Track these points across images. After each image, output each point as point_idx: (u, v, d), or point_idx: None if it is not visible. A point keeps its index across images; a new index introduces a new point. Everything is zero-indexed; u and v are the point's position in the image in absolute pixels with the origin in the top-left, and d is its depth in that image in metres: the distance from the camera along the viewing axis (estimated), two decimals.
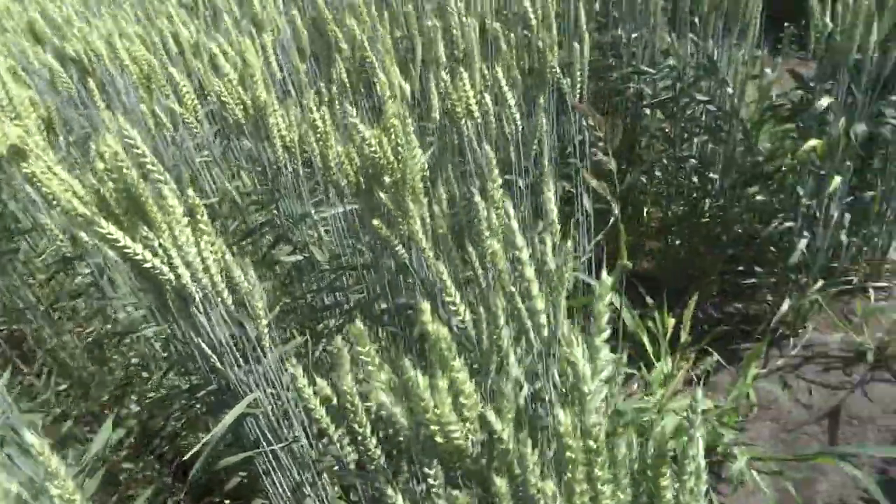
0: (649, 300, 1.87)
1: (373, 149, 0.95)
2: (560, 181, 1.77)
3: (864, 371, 1.79)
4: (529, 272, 0.65)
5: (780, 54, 1.89)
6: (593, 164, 1.44)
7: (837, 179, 1.51)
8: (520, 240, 0.65)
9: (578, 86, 1.44)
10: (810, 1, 1.45)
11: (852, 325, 1.86)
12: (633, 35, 1.78)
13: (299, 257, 1.40)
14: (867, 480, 1.35)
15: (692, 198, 1.91)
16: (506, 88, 1.32)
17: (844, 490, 1.48)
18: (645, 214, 2.05)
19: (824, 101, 1.48)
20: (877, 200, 1.74)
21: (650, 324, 1.86)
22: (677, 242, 2.05)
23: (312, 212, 1.27)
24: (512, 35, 1.46)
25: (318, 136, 1.09)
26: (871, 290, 1.91)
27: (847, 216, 1.72)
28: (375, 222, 1.01)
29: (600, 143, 1.26)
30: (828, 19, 1.46)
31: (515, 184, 1.49)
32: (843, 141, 1.52)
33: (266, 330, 0.94)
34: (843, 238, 1.69)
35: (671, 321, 1.80)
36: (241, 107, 1.35)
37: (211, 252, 0.89)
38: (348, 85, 1.47)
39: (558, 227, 0.93)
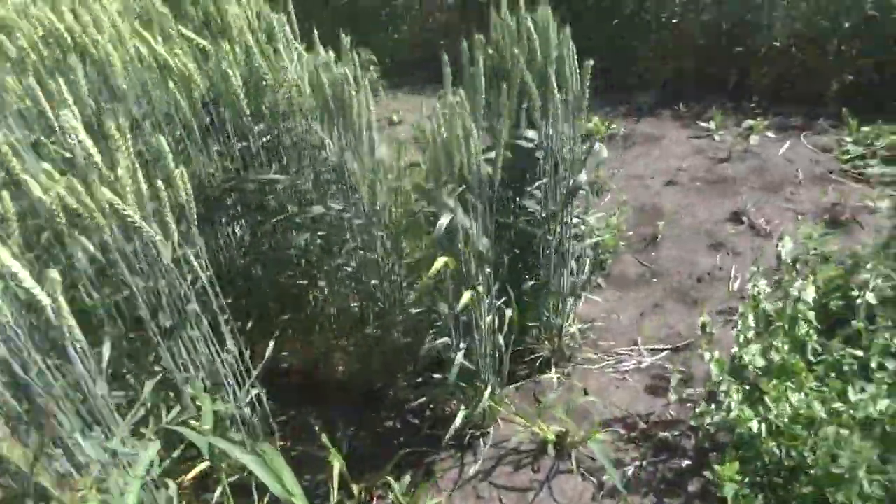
0: (324, 438, 1.63)
1: None
2: None
3: (549, 465, 1.72)
4: None
5: None
6: None
7: (468, 295, 1.39)
8: None
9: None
10: None
11: (538, 411, 1.79)
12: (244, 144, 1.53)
13: None
14: None
15: (358, 307, 1.73)
16: None
17: None
18: (317, 326, 1.82)
19: (444, 220, 1.34)
20: (542, 286, 1.69)
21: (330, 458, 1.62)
22: (362, 348, 1.85)
23: None
24: None
25: None
26: (553, 375, 1.87)
27: (508, 313, 1.63)
28: None
29: None
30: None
31: None
32: (473, 255, 1.40)
33: None
34: (501, 341, 1.59)
35: (339, 460, 1.57)
36: None
37: None
38: None
39: None
